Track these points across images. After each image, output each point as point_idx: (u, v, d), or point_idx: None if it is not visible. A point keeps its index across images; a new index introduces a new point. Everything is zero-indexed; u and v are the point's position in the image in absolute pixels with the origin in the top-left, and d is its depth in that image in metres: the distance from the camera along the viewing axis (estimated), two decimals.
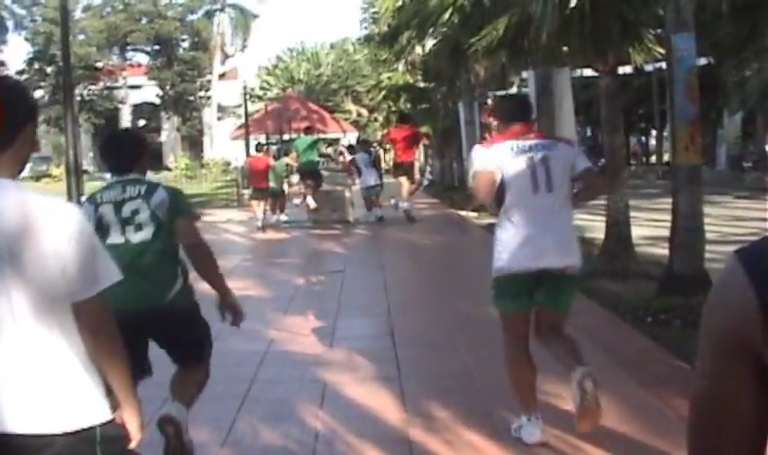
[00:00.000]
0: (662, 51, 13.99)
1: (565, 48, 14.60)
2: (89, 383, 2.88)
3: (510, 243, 5.99)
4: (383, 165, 25.55)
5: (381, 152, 29.63)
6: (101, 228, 5.29)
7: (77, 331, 2.88)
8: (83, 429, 2.81)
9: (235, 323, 5.79)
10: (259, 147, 27.81)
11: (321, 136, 57.07)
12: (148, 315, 5.25)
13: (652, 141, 61.16)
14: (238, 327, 5.85)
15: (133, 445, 3.04)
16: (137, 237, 5.42)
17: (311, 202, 22.80)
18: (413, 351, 8.95)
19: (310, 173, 22.70)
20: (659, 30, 14.33)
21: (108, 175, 5.82)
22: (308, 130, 25.98)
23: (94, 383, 2.90)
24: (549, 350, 6.15)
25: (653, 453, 5.71)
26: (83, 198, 4.93)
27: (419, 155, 25.93)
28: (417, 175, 23.05)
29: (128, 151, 5.78)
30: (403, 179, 22.14)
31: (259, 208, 23.69)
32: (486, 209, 24.60)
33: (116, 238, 5.37)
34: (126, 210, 5.43)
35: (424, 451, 5.96)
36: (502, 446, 5.92)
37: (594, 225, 17.01)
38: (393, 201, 22.87)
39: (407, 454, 5.92)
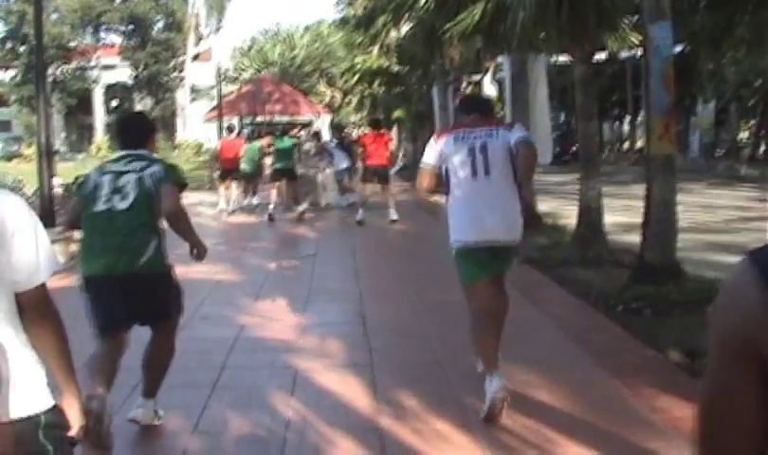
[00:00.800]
0: (637, 39, 14.00)
1: (541, 35, 14.57)
2: (35, 371, 2.89)
3: (458, 222, 6.83)
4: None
5: (354, 136, 29.50)
6: (93, 195, 6.03)
7: (20, 319, 2.89)
8: (29, 416, 2.81)
9: (199, 257, 6.41)
10: (230, 128, 27.54)
11: (295, 118, 57.04)
12: (138, 275, 5.92)
13: (625, 127, 61.36)
14: (201, 260, 6.47)
15: (72, 432, 3.03)
16: (120, 205, 5.97)
17: (302, 206, 22.40)
18: (384, 338, 8.93)
19: (284, 172, 22.41)
20: (635, 17, 14.34)
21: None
22: (285, 132, 25.63)
23: (39, 371, 2.91)
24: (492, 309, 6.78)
25: (623, 442, 5.71)
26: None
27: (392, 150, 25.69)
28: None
29: (139, 130, 6.61)
30: (381, 186, 21.63)
31: (227, 190, 23.63)
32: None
33: (101, 205, 5.98)
34: (123, 180, 6.04)
35: (394, 440, 5.94)
36: (471, 435, 5.91)
37: (566, 211, 17.07)
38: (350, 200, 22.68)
39: (377, 442, 5.89)
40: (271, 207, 21.14)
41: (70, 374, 3.07)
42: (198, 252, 6.37)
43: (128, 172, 6.10)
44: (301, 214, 21.35)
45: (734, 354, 1.53)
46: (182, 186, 6.39)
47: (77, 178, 22.66)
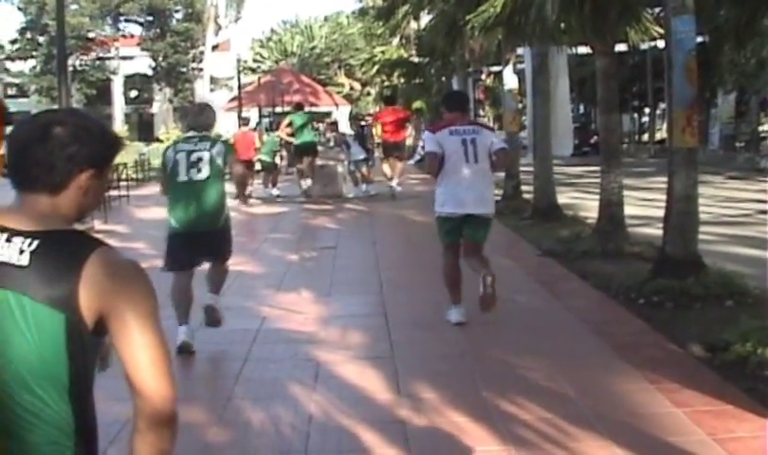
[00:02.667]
0: (660, 31, 13.94)
1: (564, 27, 14.56)
2: None
3: (445, 196, 9.03)
4: (376, 139, 25.38)
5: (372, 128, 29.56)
6: (175, 169, 8.27)
7: None
8: None
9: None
10: (245, 121, 27.60)
11: (314, 109, 57.05)
12: (209, 233, 8.28)
13: (645, 119, 61.06)
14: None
15: None
16: (200, 175, 8.20)
17: (306, 183, 22.68)
18: (406, 330, 8.95)
19: (306, 150, 22.54)
20: (657, 9, 14.29)
21: None
22: (298, 106, 25.80)
23: None
24: (469, 265, 9.03)
25: (644, 436, 5.71)
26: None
27: (410, 133, 25.74)
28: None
29: (208, 117, 8.89)
30: (392, 161, 22.01)
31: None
32: None
33: (183, 177, 8.23)
34: (195, 157, 8.24)
35: (416, 432, 5.96)
36: (493, 428, 5.92)
37: (587, 203, 17.05)
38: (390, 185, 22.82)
39: (400, 435, 5.91)
40: (309, 182, 21.59)
41: None
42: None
43: (199, 150, 8.27)
44: (306, 192, 21.58)
45: None
46: (238, 158, 9.19)
47: None
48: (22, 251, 2.31)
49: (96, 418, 2.44)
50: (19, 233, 2.35)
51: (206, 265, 8.63)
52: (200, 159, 8.18)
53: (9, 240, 2.34)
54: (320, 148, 27.07)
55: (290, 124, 23.88)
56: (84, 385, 2.37)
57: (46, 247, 2.32)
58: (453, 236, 9.06)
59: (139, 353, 2.33)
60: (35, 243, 2.32)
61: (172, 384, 2.41)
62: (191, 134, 8.60)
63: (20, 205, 2.44)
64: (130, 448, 2.38)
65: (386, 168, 22.16)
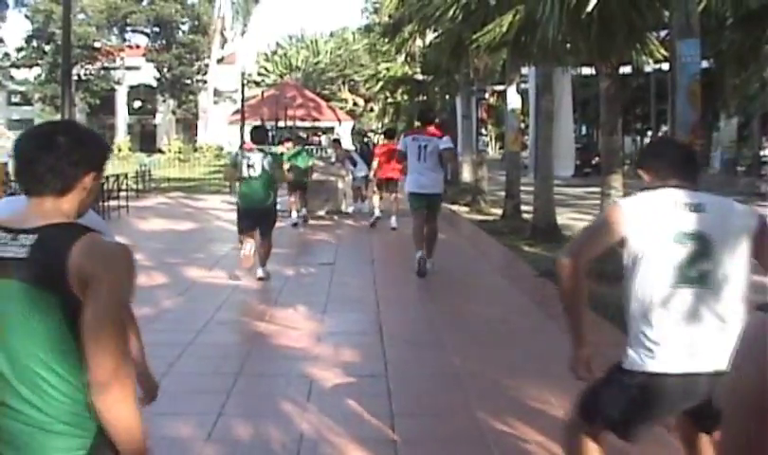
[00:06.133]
0: (665, 53, 13.94)
1: (569, 49, 14.57)
2: None
3: (409, 181, 13.76)
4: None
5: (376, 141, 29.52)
6: (240, 168, 12.83)
7: None
8: None
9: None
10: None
11: (316, 124, 56.90)
12: (257, 209, 12.78)
13: (647, 141, 61.08)
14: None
15: None
16: (253, 174, 12.77)
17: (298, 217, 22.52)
18: (401, 349, 8.91)
19: (297, 186, 22.36)
20: (662, 32, 14.28)
21: None
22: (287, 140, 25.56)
23: None
24: (428, 229, 13.59)
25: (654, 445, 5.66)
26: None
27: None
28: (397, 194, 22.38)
29: (263, 134, 14.21)
30: (385, 194, 21.61)
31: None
32: (478, 205, 24.69)
33: (245, 173, 12.78)
34: (251, 161, 12.80)
35: (408, 452, 5.92)
36: (486, 449, 5.89)
37: (586, 224, 16.98)
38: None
39: (393, 454, 5.88)
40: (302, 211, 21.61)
41: None
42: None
43: (253, 157, 12.85)
44: (305, 218, 21.57)
45: None
46: (282, 165, 14.34)
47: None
48: (23, 246, 2.64)
49: None
50: (23, 231, 2.68)
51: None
52: (255, 163, 12.79)
53: (14, 238, 2.67)
54: (320, 163, 27.03)
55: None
56: None
57: (42, 239, 2.65)
58: (418, 206, 13.66)
59: (88, 324, 2.60)
60: (33, 237, 2.65)
61: (110, 356, 2.60)
62: (251, 146, 13.34)
63: (28, 208, 2.78)
64: None
65: (375, 199, 21.76)
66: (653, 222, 3.98)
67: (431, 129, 13.96)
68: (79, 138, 2.84)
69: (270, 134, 39.23)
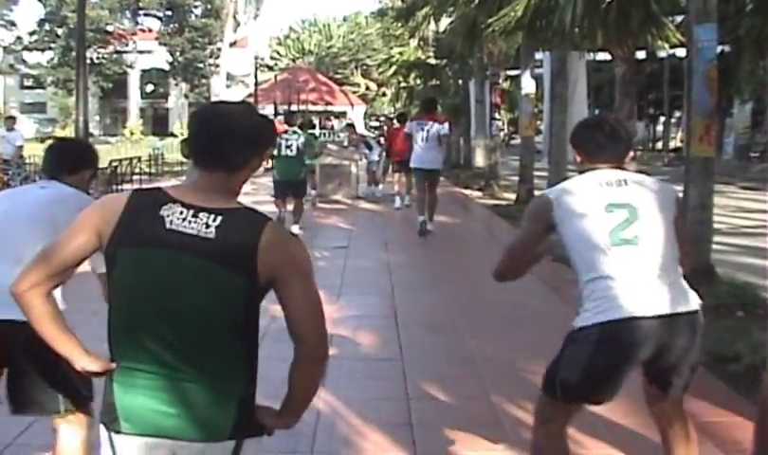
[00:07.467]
0: (681, 38, 13.89)
1: (586, 33, 14.54)
2: None
3: (414, 159, 16.37)
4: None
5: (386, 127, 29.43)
6: (279, 148, 15.86)
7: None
8: None
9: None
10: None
11: (329, 108, 56.86)
12: (292, 181, 16.29)
13: (659, 127, 60.89)
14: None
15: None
16: (290, 153, 16.01)
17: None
18: (416, 332, 8.92)
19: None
20: (678, 17, 14.23)
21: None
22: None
23: None
24: (429, 199, 16.48)
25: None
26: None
27: None
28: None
29: (294, 118, 20.11)
30: (397, 176, 21.68)
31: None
32: (491, 189, 24.65)
33: (283, 152, 15.94)
34: (288, 142, 16.07)
35: (424, 435, 5.93)
36: (501, 433, 5.90)
37: None
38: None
39: (408, 438, 5.88)
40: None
41: None
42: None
43: (290, 138, 16.08)
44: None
45: None
46: (312, 144, 19.51)
47: (110, 162, 22.82)
48: (208, 225, 2.83)
49: (258, 352, 3.08)
50: (204, 210, 2.86)
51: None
52: (291, 144, 16.09)
53: (195, 215, 2.85)
54: (334, 147, 27.03)
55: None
56: (255, 330, 3.03)
57: (229, 222, 2.86)
58: (420, 179, 16.60)
59: (302, 308, 2.97)
60: (219, 218, 2.85)
61: (325, 332, 3.05)
62: (288, 128, 16.99)
63: (201, 184, 2.95)
64: (289, 378, 3.11)
65: (397, 186, 21.80)
66: (580, 202, 4.26)
67: (434, 116, 17.03)
68: (257, 122, 3.06)
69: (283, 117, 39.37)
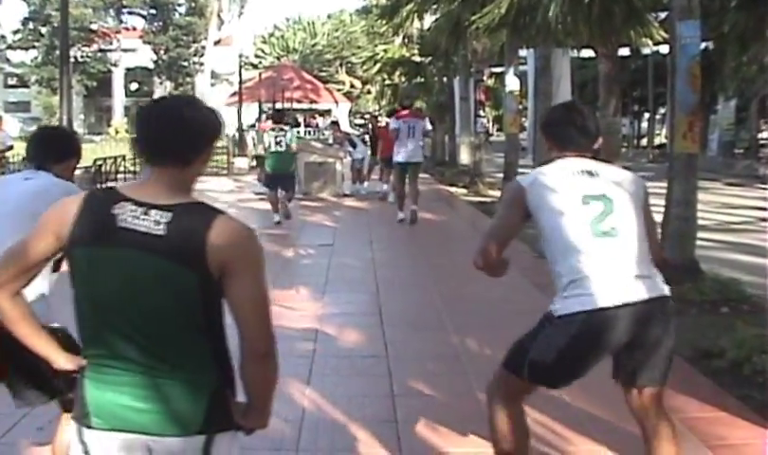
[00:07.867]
0: (664, 35, 13.92)
1: (570, 30, 14.56)
2: None
3: (398, 153, 17.75)
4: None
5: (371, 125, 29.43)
6: (269, 143, 18.08)
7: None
8: None
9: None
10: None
11: (314, 106, 56.78)
12: (283, 174, 17.83)
13: (644, 124, 61.03)
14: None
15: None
16: (280, 149, 17.68)
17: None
18: (401, 330, 8.92)
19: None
20: (662, 14, 14.26)
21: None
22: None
23: None
24: (411, 189, 17.93)
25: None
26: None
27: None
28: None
29: (282, 116, 20.57)
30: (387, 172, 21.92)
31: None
32: (476, 187, 24.63)
33: (274, 148, 17.76)
34: (278, 138, 17.69)
35: (409, 432, 5.93)
36: (486, 430, 5.89)
37: None
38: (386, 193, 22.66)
39: (393, 435, 5.88)
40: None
41: None
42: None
43: (279, 135, 17.70)
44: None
45: None
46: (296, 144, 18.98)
47: (95, 161, 22.74)
48: (158, 222, 2.81)
49: (227, 345, 2.98)
50: (155, 207, 2.84)
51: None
52: (281, 140, 17.61)
53: (146, 213, 2.83)
54: (318, 145, 27.03)
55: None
56: (216, 323, 2.93)
57: (179, 218, 2.83)
58: (402, 172, 17.83)
59: (245, 304, 2.89)
60: (169, 215, 2.82)
61: (269, 329, 2.98)
62: (276, 126, 18.32)
63: (153, 181, 2.94)
64: (240, 378, 3.01)
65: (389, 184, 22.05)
66: (556, 192, 4.29)
67: (416, 113, 19.56)
68: (203, 114, 3.01)
69: (264, 115, 39.39)
